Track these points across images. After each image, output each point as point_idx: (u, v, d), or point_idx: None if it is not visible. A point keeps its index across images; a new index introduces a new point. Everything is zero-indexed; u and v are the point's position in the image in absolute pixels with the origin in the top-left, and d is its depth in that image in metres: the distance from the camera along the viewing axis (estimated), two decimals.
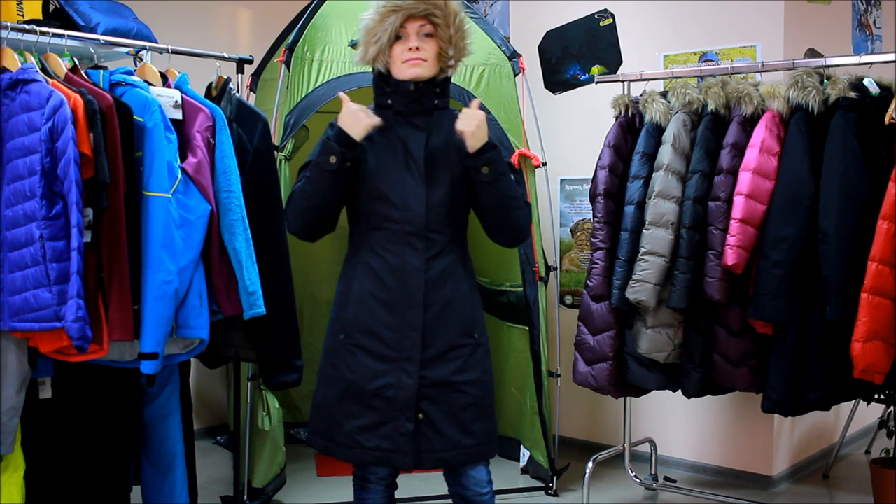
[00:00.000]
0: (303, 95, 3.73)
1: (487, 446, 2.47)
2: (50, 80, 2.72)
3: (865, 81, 3.16)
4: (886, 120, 3.05)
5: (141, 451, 3.20)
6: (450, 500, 2.71)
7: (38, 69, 2.74)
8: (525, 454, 4.22)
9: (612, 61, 3.80)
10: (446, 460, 2.43)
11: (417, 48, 2.37)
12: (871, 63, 3.21)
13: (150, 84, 2.97)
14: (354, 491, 2.59)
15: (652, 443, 4.14)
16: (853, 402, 4.15)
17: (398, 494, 2.71)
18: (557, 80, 3.88)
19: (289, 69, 3.74)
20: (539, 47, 3.91)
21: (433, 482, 2.66)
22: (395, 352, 2.38)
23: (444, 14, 2.39)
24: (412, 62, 2.38)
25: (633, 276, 3.35)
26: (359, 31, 2.45)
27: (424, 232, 2.39)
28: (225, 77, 3.38)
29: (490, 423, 2.49)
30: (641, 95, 3.56)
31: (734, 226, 3.18)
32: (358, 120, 2.37)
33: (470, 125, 2.36)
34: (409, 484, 2.69)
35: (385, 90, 2.45)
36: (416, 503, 3.60)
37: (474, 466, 2.49)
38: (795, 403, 3.21)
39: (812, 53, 3.98)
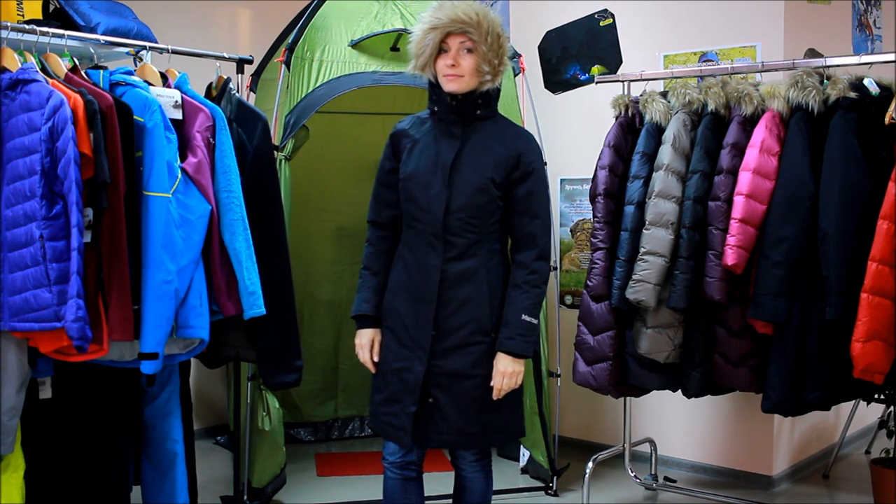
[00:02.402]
0: (303, 95, 3.73)
1: (488, 436, 2.60)
2: (50, 80, 2.72)
3: (865, 81, 3.16)
4: (886, 120, 3.05)
5: (141, 451, 3.20)
6: (450, 501, 2.85)
7: (38, 69, 2.74)
8: (525, 454, 4.22)
9: (612, 61, 3.80)
10: (447, 443, 2.61)
11: (454, 65, 2.50)
12: (871, 63, 3.21)
13: (150, 84, 2.96)
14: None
15: (652, 443, 4.14)
16: (853, 402, 4.14)
17: None
18: (557, 80, 3.88)
19: (289, 69, 3.74)
20: (539, 47, 3.90)
21: (433, 482, 2.67)
22: (411, 340, 2.56)
23: (478, 32, 2.49)
24: (449, 77, 2.52)
25: (633, 276, 3.35)
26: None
27: (442, 235, 2.53)
28: (225, 77, 3.38)
29: (499, 417, 2.59)
30: (641, 95, 3.56)
31: (734, 226, 3.18)
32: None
33: (501, 387, 2.52)
34: None
35: (433, 97, 2.60)
36: None
37: (469, 451, 2.67)
38: (795, 403, 3.20)
39: (812, 53, 3.97)
